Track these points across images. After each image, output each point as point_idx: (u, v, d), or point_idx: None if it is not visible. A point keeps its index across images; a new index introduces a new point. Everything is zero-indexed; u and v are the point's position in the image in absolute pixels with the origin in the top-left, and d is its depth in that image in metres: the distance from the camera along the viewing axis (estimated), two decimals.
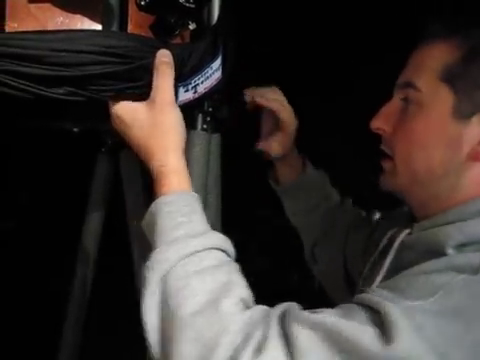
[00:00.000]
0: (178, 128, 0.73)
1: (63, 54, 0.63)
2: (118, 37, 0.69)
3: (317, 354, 0.55)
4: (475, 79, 0.68)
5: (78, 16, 0.69)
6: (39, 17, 0.67)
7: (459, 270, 0.59)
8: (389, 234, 0.80)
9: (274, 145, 1.02)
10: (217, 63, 0.81)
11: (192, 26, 0.77)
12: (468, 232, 0.64)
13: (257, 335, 0.57)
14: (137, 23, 0.72)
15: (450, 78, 0.69)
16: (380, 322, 0.55)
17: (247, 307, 0.62)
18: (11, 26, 0.66)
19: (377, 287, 0.63)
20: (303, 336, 0.56)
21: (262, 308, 0.63)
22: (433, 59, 0.71)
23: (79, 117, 0.85)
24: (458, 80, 0.69)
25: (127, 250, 1.08)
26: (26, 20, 0.67)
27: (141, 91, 0.72)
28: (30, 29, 0.66)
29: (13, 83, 0.61)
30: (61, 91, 0.64)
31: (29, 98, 0.62)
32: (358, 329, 0.55)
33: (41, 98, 0.63)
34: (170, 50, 0.72)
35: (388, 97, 0.78)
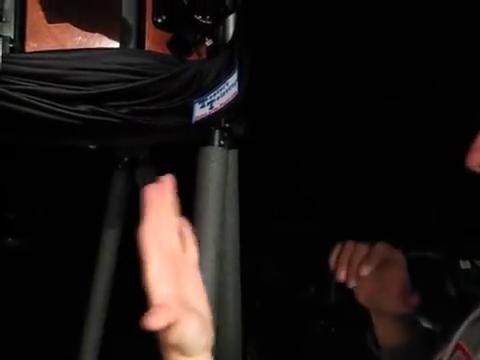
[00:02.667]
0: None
1: (82, 72, 0.64)
2: (136, 55, 0.70)
3: None
4: None
5: (96, 35, 0.70)
6: (58, 37, 0.68)
7: None
8: None
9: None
10: (233, 79, 0.81)
11: (209, 42, 0.77)
12: None
13: None
14: (154, 40, 0.73)
15: None
16: None
17: None
18: (31, 46, 0.68)
19: None
20: None
21: None
22: None
23: (96, 134, 0.86)
24: None
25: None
26: (46, 40, 0.68)
27: (156, 106, 0.73)
28: (50, 49, 0.68)
29: (37, 103, 0.62)
30: (83, 109, 0.64)
31: (53, 118, 0.63)
32: None
33: (64, 117, 0.63)
34: (187, 67, 0.73)
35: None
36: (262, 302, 1.76)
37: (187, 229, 0.58)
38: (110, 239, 1.22)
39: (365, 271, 0.77)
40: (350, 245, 0.81)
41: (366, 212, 1.69)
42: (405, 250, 1.03)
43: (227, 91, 0.80)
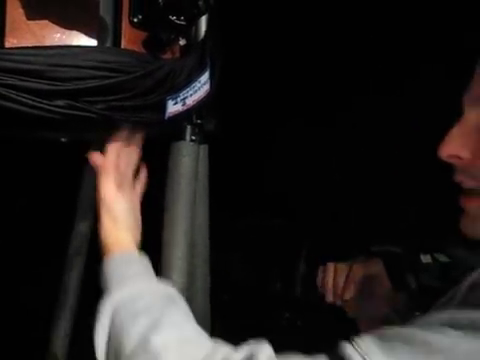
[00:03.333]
0: (126, 215, 0.79)
1: (61, 69, 0.66)
2: (112, 52, 0.73)
3: None
4: None
5: (74, 32, 0.73)
6: (37, 34, 0.70)
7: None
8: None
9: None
10: (205, 77, 0.85)
11: (182, 42, 0.81)
12: None
13: None
14: (130, 39, 0.76)
15: None
16: None
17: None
18: (11, 42, 0.70)
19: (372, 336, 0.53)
20: None
21: (222, 351, 0.61)
22: None
23: (68, 128, 0.88)
24: None
25: None
26: (25, 36, 0.70)
27: (132, 102, 0.76)
28: (29, 45, 0.70)
29: (16, 97, 0.64)
30: (61, 104, 0.67)
31: (31, 112, 0.65)
32: None
33: (43, 111, 0.66)
34: (161, 65, 0.76)
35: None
36: (229, 296, 1.79)
37: (144, 174, 0.86)
38: (82, 231, 1.23)
39: (348, 296, 0.92)
40: (331, 267, 0.93)
41: (332, 208, 1.74)
42: (368, 245, 1.08)
43: (199, 89, 0.84)
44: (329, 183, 1.69)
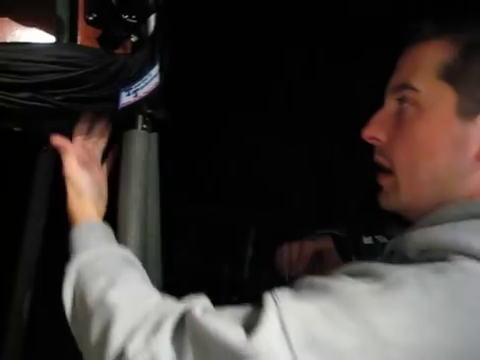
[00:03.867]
0: (90, 189, 0.88)
1: (24, 64, 0.72)
2: (70, 48, 0.79)
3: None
4: (477, 76, 0.64)
5: (34, 29, 0.79)
6: None
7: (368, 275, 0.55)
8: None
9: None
10: (155, 70, 0.92)
11: (134, 38, 0.88)
12: (431, 238, 0.60)
13: (151, 322, 0.61)
14: (86, 36, 0.82)
15: (450, 76, 0.65)
16: (255, 318, 0.54)
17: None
18: None
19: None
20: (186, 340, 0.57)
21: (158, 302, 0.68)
22: (428, 58, 0.67)
23: (22, 116, 0.94)
24: (459, 77, 0.64)
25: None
26: None
27: (87, 94, 0.82)
28: None
29: None
30: (23, 96, 0.73)
31: None
32: (228, 326, 0.54)
33: (7, 103, 0.72)
34: (114, 60, 0.83)
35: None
36: (176, 280, 1.85)
37: (114, 153, 0.96)
38: (35, 219, 1.27)
39: (300, 268, 1.06)
40: (285, 246, 1.08)
41: (277, 195, 1.83)
42: (314, 228, 1.18)
43: (150, 81, 0.91)
44: (275, 168, 1.77)
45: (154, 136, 0.98)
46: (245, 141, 1.87)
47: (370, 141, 0.71)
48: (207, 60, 1.51)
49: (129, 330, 0.61)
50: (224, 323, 0.55)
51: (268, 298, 0.55)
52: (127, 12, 0.82)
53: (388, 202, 0.70)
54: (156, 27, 0.93)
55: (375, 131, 0.70)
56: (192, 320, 0.57)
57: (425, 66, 0.66)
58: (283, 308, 0.53)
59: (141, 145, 0.93)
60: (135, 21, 0.83)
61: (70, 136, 0.94)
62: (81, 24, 0.82)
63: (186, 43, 1.23)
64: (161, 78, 0.94)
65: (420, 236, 0.61)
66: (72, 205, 0.86)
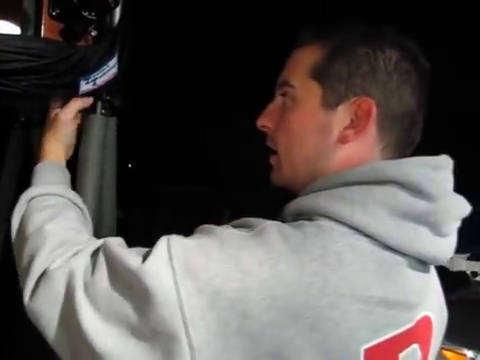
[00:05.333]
0: (68, 139, 0.99)
1: None
2: (33, 40, 0.89)
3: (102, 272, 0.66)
4: (338, 74, 0.75)
5: (1, 21, 0.88)
6: None
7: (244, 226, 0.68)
8: None
9: None
10: (113, 61, 1.01)
11: (94, 33, 0.98)
12: (300, 204, 0.73)
13: (75, 250, 0.72)
14: (49, 29, 0.92)
15: (317, 74, 0.76)
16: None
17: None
18: None
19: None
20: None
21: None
22: (303, 60, 0.78)
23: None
24: (324, 75, 0.75)
25: None
26: None
27: (50, 81, 0.92)
28: None
29: None
30: None
31: None
32: (130, 254, 0.65)
33: None
34: (75, 51, 0.93)
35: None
36: None
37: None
38: (5, 196, 1.35)
39: None
40: None
41: (253, 174, 1.89)
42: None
43: (108, 71, 1.00)
44: (249, 151, 1.85)
45: (112, 121, 1.07)
46: (221, 124, 1.94)
47: (262, 129, 0.83)
48: (164, 52, 1.59)
49: (53, 255, 0.71)
50: (128, 253, 0.65)
51: (164, 237, 0.66)
52: (87, 9, 0.92)
53: (275, 178, 0.82)
54: (119, 21, 1.02)
55: (265, 121, 0.82)
56: (106, 247, 0.68)
57: (300, 66, 0.78)
58: (172, 242, 0.64)
59: (99, 128, 1.02)
60: (95, 17, 0.93)
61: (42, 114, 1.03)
62: (45, 18, 0.91)
63: (148, 37, 1.31)
64: (119, 69, 1.03)
65: (294, 204, 0.74)
66: (48, 144, 0.96)
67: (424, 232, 0.68)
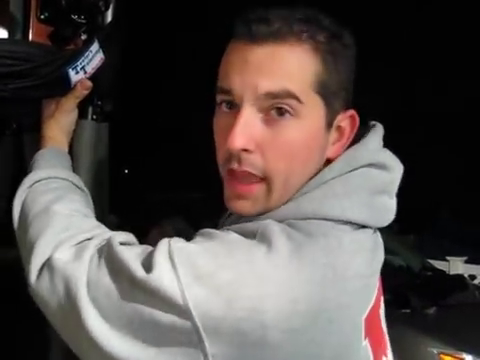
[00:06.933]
0: (68, 125, 0.96)
1: None
2: (21, 44, 0.87)
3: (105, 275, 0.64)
4: (333, 86, 0.68)
5: None
6: None
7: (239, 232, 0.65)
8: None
9: None
10: (95, 46, 0.93)
11: (84, 36, 0.96)
12: (286, 212, 0.68)
13: (81, 238, 0.70)
14: (37, 33, 0.91)
15: (320, 89, 0.67)
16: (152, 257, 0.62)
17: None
18: None
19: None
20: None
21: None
22: (300, 66, 0.66)
23: None
24: (326, 91, 0.67)
25: None
26: None
27: (40, 81, 0.90)
28: None
29: None
30: None
31: None
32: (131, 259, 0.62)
33: None
34: (62, 55, 0.90)
35: None
36: None
37: None
38: None
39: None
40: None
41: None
42: None
43: (94, 57, 0.92)
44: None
45: (104, 126, 1.05)
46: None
47: (240, 153, 0.67)
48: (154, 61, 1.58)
49: (59, 238, 0.69)
50: (133, 259, 0.62)
51: (164, 240, 0.64)
52: (77, 12, 0.91)
53: (254, 208, 0.69)
54: (107, 26, 1.01)
55: (245, 142, 0.66)
56: (109, 246, 0.65)
57: (300, 76, 0.66)
58: (173, 248, 0.61)
59: (89, 134, 1.01)
60: (84, 21, 0.91)
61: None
62: (33, 21, 0.90)
63: (137, 47, 1.30)
64: (105, 53, 0.94)
65: (280, 211, 0.69)
66: (50, 131, 0.93)
67: (386, 200, 0.72)
